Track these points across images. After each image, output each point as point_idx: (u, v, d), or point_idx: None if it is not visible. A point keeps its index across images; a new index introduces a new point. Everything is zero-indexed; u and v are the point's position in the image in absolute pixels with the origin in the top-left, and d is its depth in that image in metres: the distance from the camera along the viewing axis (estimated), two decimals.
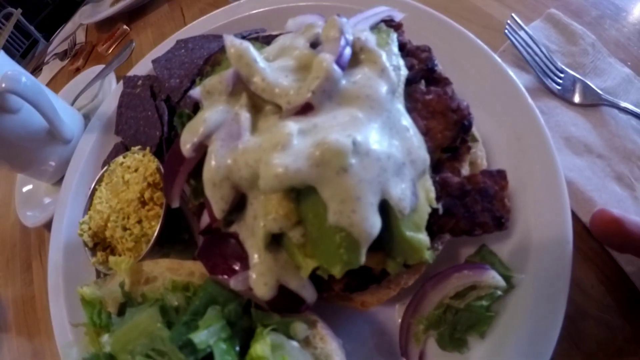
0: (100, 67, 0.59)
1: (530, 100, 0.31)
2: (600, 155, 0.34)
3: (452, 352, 0.26)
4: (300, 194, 0.20)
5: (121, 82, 0.48)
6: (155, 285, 0.30)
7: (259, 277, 0.22)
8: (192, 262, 0.31)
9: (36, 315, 0.54)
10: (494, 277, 0.26)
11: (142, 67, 0.48)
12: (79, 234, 0.38)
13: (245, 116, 0.22)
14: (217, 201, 0.21)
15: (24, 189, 0.59)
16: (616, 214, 0.27)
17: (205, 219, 0.26)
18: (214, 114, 0.22)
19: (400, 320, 0.29)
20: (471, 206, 0.23)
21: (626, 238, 0.26)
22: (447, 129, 0.25)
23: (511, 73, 0.33)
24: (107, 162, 0.45)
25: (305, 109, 0.20)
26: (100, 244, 0.37)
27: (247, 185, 0.21)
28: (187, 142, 0.21)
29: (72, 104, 0.58)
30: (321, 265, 0.20)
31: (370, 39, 0.23)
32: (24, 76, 0.43)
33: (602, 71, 0.38)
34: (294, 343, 0.21)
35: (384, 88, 0.21)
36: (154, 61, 0.43)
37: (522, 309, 0.25)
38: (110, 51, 0.68)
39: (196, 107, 0.30)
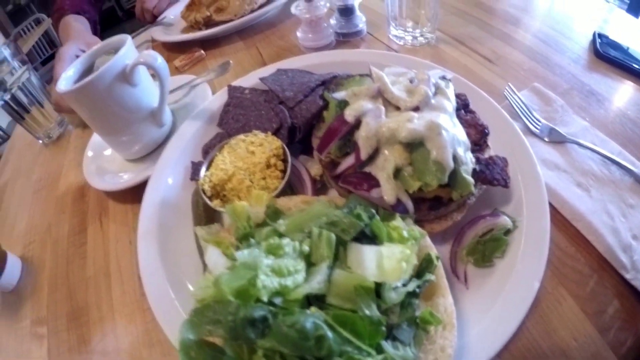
0: (186, 77, 0.98)
1: (521, 132, 0.73)
2: (565, 171, 0.72)
3: (483, 267, 0.59)
4: (412, 148, 0.57)
5: (224, 89, 0.86)
6: (290, 212, 0.61)
7: (388, 190, 0.56)
8: (323, 196, 0.63)
9: (85, 274, 0.78)
10: (505, 219, 0.60)
11: (244, 81, 0.88)
12: (200, 183, 0.68)
13: (382, 108, 0.59)
14: (367, 147, 0.56)
15: (90, 157, 0.91)
16: None
17: (343, 165, 0.61)
18: (366, 104, 0.59)
19: (449, 252, 0.63)
20: (491, 170, 0.61)
21: None
22: (476, 134, 0.65)
23: (510, 118, 0.75)
24: (208, 145, 0.79)
25: (416, 109, 0.59)
26: (214, 196, 0.68)
27: (384, 141, 0.57)
28: (350, 115, 0.57)
29: None
30: (424, 182, 0.55)
31: (441, 83, 0.63)
32: (159, 57, 0.78)
33: (567, 122, 0.80)
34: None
35: (450, 107, 0.60)
36: (262, 78, 0.82)
37: (524, 238, 0.58)
38: (185, 68, 1.09)
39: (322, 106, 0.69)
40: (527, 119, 0.79)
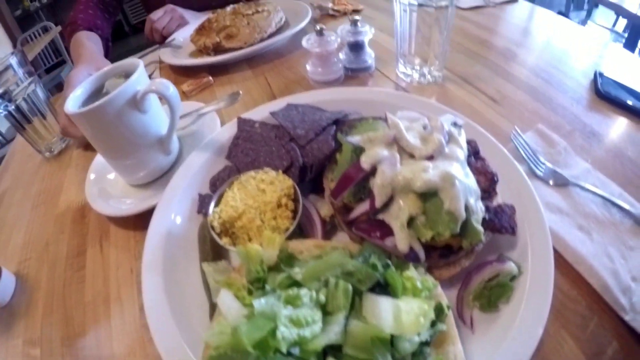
0: (194, 103, 1.02)
1: (527, 179, 0.79)
2: (567, 214, 0.77)
3: (489, 312, 0.64)
4: (426, 197, 0.62)
5: (234, 120, 0.89)
6: (303, 255, 0.65)
7: (401, 239, 0.60)
8: (334, 241, 0.67)
9: (83, 299, 0.80)
10: (511, 265, 0.66)
11: (254, 114, 0.91)
12: (209, 220, 0.71)
13: (397, 156, 0.64)
14: (382, 195, 0.61)
15: (92, 179, 0.94)
16: None
17: (356, 211, 0.65)
18: (381, 151, 0.64)
19: (456, 296, 0.68)
20: (500, 219, 0.66)
21: None
22: (486, 182, 0.70)
23: (516, 163, 0.81)
24: (216, 178, 0.82)
25: (430, 158, 0.63)
26: (223, 232, 0.71)
27: (399, 189, 0.61)
28: (366, 162, 0.62)
29: None
30: (437, 232, 0.60)
31: (453, 131, 0.68)
32: (171, 86, 0.81)
33: (570, 165, 0.86)
34: None
35: (462, 155, 0.66)
36: (272, 113, 0.85)
37: (529, 284, 0.63)
38: (193, 93, 1.13)
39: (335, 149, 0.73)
40: (532, 162, 0.84)
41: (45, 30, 5.27)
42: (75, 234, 0.93)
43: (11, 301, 0.83)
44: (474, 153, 0.71)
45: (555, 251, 0.72)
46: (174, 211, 0.80)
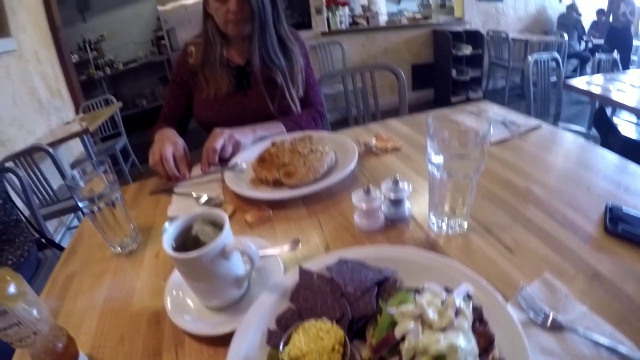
0: (259, 240, 1.40)
1: (524, 334, 1.09)
2: (559, 356, 1.05)
3: None
4: (437, 358, 1.02)
5: (296, 269, 1.28)
6: None
7: None
8: None
9: None
10: None
11: (313, 265, 1.28)
12: (281, 356, 1.08)
13: (419, 329, 1.04)
14: (407, 356, 0.98)
15: (170, 301, 1.31)
16: None
17: None
18: (409, 325, 1.04)
19: None
20: None
21: None
22: (484, 342, 1.07)
23: (515, 317, 1.10)
24: (281, 316, 1.19)
25: (443, 329, 1.04)
26: None
27: (419, 353, 1.01)
28: (398, 333, 1.02)
29: None
30: None
31: (463, 306, 1.08)
32: (253, 246, 1.23)
33: (568, 310, 1.16)
34: None
35: (467, 325, 1.05)
36: (328, 268, 1.24)
37: None
38: (254, 225, 1.55)
39: (376, 311, 1.15)
40: (533, 313, 1.21)
41: (107, 102, 6.69)
42: (151, 336, 1.13)
43: None
44: (478, 319, 1.10)
45: None
46: (248, 340, 1.14)
